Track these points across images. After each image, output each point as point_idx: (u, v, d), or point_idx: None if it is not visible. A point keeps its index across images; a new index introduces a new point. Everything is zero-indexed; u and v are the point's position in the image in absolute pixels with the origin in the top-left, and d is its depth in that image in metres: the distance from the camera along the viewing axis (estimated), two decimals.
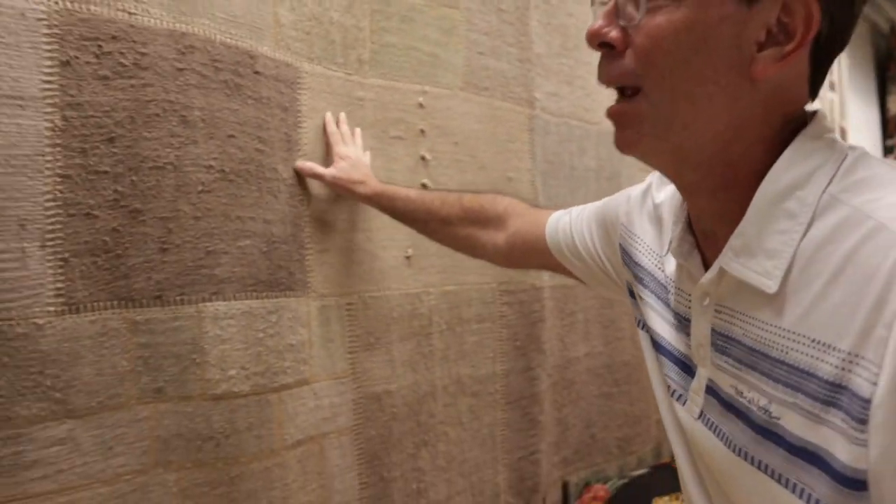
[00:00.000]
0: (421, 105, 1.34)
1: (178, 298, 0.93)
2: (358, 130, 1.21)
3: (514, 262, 1.12)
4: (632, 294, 0.82)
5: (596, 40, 0.59)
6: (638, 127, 0.60)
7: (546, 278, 1.55)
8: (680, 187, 0.66)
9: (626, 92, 0.60)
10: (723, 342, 0.62)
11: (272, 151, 1.05)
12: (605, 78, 0.61)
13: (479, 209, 1.07)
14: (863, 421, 0.48)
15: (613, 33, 0.58)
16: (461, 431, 1.37)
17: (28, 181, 0.81)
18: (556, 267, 0.98)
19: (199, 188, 0.95)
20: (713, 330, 0.63)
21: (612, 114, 0.62)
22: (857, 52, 3.68)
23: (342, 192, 1.16)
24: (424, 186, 1.33)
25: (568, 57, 1.65)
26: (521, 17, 1.54)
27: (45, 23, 0.82)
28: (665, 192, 0.77)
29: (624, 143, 0.62)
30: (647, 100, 0.58)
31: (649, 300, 0.76)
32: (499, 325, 1.45)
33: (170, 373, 0.93)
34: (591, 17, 0.63)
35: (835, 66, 3.68)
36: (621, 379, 1.76)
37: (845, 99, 3.49)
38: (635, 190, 0.83)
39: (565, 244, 0.94)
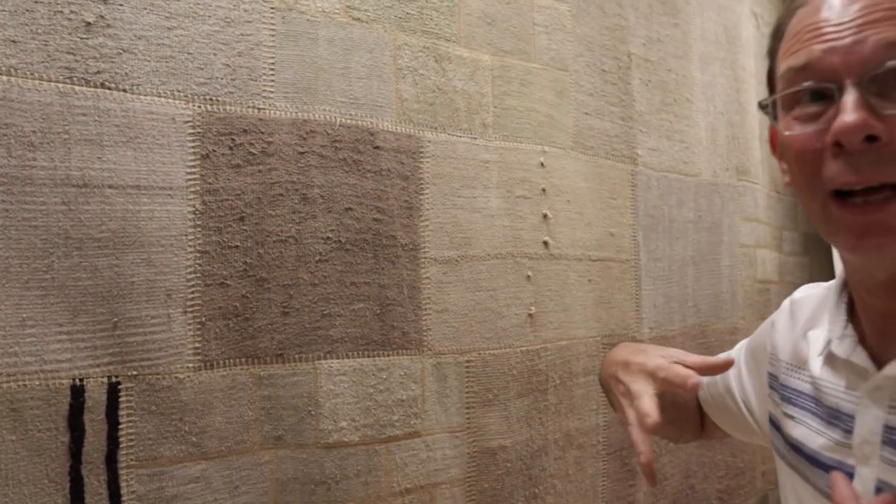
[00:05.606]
0: (542, 164, 1.41)
1: (296, 356, 1.05)
2: None
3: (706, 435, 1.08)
4: (773, 423, 0.82)
5: (863, 133, 0.54)
6: None
7: (644, 329, 1.57)
8: (886, 283, 0.62)
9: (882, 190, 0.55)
10: None
11: (391, 220, 1.16)
12: (874, 175, 0.55)
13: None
14: None
15: (880, 125, 0.53)
16: (567, 483, 1.40)
17: (174, 257, 0.95)
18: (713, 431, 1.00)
19: (317, 258, 1.07)
20: (887, 426, 0.62)
21: (882, 222, 0.55)
22: None
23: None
24: (546, 245, 1.40)
25: (668, 112, 1.68)
26: (624, 77, 1.59)
27: (190, 124, 0.97)
28: (804, 292, 0.82)
29: (882, 248, 0.57)
30: None
31: (793, 413, 0.76)
32: None
33: (288, 422, 1.04)
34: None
35: None
36: None
37: None
38: (779, 317, 0.86)
39: (710, 394, 0.96)
